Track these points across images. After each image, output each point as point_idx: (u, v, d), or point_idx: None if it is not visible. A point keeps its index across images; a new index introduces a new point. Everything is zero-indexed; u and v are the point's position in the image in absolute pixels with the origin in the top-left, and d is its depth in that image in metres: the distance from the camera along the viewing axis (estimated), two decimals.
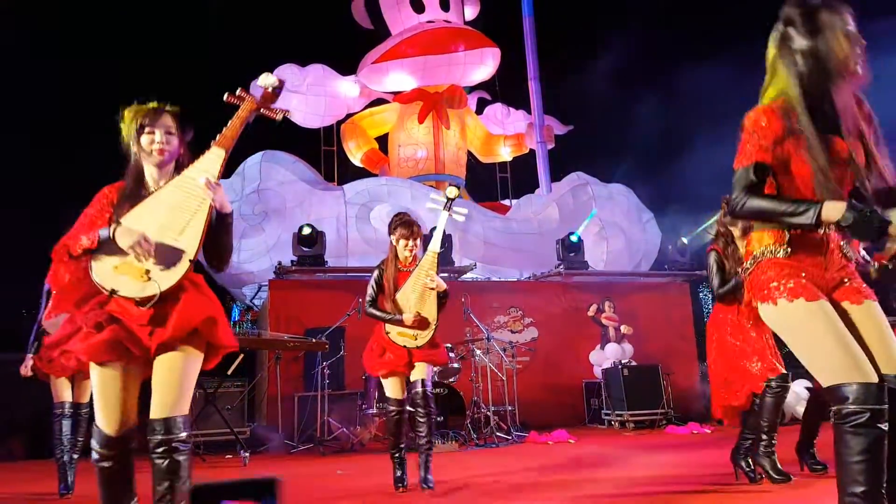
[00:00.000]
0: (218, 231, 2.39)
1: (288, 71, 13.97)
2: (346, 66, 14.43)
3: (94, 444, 2.20)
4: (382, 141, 14.80)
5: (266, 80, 2.60)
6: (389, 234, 4.16)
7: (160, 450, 2.13)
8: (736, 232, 3.99)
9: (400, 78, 13.96)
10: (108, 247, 2.20)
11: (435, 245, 4.07)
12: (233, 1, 16.16)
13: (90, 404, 4.01)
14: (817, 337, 1.89)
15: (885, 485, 1.80)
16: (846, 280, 2.03)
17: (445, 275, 9.89)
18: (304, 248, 9.14)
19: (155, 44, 14.73)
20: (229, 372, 6.87)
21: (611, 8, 16.11)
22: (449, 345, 7.37)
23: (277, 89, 2.64)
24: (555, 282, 10.27)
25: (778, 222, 1.97)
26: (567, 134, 15.14)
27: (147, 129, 2.34)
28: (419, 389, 3.99)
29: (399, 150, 14.25)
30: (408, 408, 4.08)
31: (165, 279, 2.21)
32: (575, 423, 8.69)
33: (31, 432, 7.46)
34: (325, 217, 10.35)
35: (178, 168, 2.41)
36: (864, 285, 2.04)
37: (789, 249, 2.00)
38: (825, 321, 1.89)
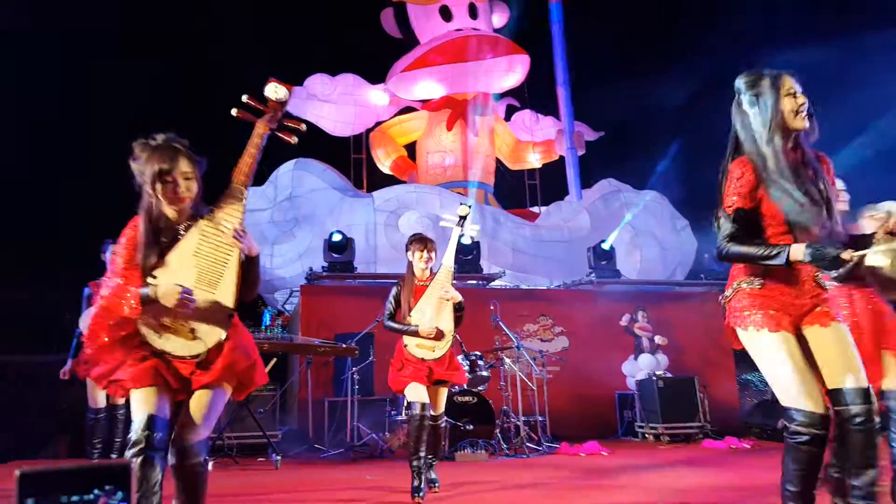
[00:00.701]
0: (247, 270, 2.43)
1: (318, 80, 14.13)
2: (376, 75, 14.52)
3: (134, 431, 2.24)
4: (411, 148, 14.84)
5: (275, 94, 2.53)
6: (406, 251, 4.34)
7: (180, 471, 2.32)
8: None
9: (429, 86, 14.00)
10: (152, 306, 2.25)
11: (449, 259, 4.22)
12: (263, 11, 16.37)
13: (126, 405, 4.22)
14: (777, 365, 2.25)
15: (817, 486, 2.22)
16: (818, 306, 2.30)
17: (474, 282, 9.91)
18: (335, 255, 9.16)
19: (180, 53, 14.97)
20: None
21: (641, 10, 15.97)
22: (478, 352, 7.29)
23: (285, 103, 2.57)
24: (586, 290, 10.12)
25: (756, 264, 2.30)
26: (598, 140, 15.02)
27: (167, 177, 2.33)
28: (433, 424, 4.24)
29: (427, 158, 14.26)
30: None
31: (210, 335, 2.32)
32: (607, 435, 8.51)
33: (75, 432, 7.55)
34: (355, 224, 10.38)
35: (195, 206, 2.42)
36: (835, 309, 2.32)
37: (763, 281, 2.32)
38: (785, 352, 2.23)
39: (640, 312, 9.27)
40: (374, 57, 14.96)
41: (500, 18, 15.38)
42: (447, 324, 4.14)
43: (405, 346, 4.17)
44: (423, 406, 4.05)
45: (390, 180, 13.87)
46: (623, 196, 11.62)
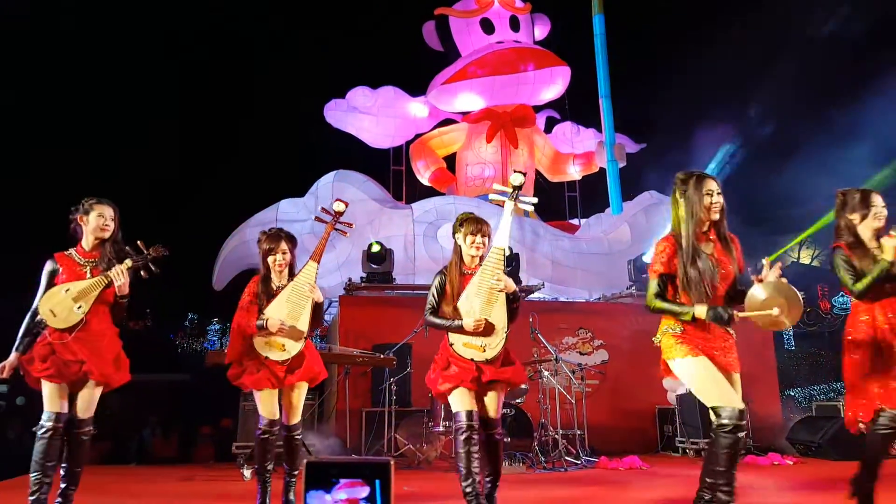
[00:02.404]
0: (315, 310, 3.93)
1: (360, 93, 14.33)
2: (416, 87, 14.67)
3: (260, 426, 3.85)
4: (450, 160, 14.91)
5: (338, 207, 4.05)
6: (454, 234, 3.68)
7: (288, 441, 3.91)
8: (856, 220, 3.48)
9: (469, 98, 14.07)
10: (261, 332, 3.81)
11: (501, 240, 3.55)
12: (310, 28, 16.72)
13: (95, 421, 3.55)
14: (702, 379, 3.03)
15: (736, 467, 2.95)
16: (727, 353, 3.10)
17: None
18: (374, 266, 9.25)
19: (242, 70, 15.40)
20: None
21: (683, 22, 15.79)
22: None
23: (343, 212, 4.06)
24: (626, 303, 10.00)
25: (674, 317, 3.12)
26: (639, 152, 14.85)
27: (272, 253, 3.91)
28: (489, 431, 3.48)
29: (467, 169, 14.31)
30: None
31: (293, 349, 3.86)
32: (647, 449, 8.38)
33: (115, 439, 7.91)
34: (394, 235, 10.47)
35: (290, 269, 3.97)
36: (737, 358, 3.13)
37: (683, 327, 3.11)
38: (705, 369, 3.03)
39: None
40: (415, 69, 15.16)
41: (541, 31, 15.38)
42: (499, 317, 3.48)
43: (451, 344, 3.52)
44: (470, 414, 3.40)
45: (430, 192, 13.96)
46: (664, 208, 11.46)
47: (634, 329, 9.50)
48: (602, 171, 13.85)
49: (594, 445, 7.86)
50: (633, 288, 9.84)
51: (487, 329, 3.45)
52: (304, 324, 3.85)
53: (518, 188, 3.63)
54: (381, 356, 7.10)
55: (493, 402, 3.52)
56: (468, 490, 3.30)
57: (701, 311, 3.00)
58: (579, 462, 6.95)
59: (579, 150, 15.00)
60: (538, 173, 14.72)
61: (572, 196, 14.96)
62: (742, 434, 2.91)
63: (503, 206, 3.69)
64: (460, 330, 3.47)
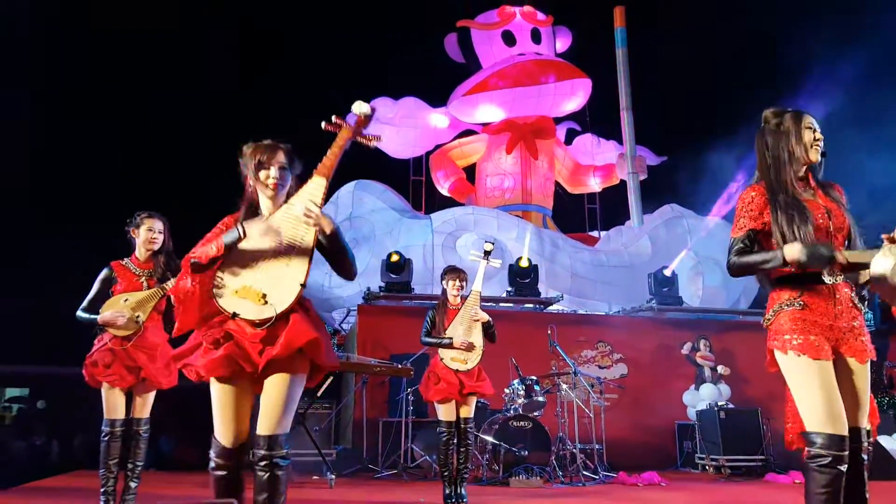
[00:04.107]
0: (331, 248, 2.52)
1: (381, 104, 14.41)
2: (437, 98, 14.73)
3: (211, 454, 2.40)
4: (470, 171, 14.93)
5: (360, 108, 2.67)
6: (441, 280, 4.96)
7: (263, 464, 2.33)
8: None
9: (490, 110, 14.10)
10: (231, 269, 2.39)
11: (477, 286, 4.81)
12: (331, 38, 16.89)
13: (150, 421, 3.85)
14: (809, 390, 2.35)
15: None
16: (858, 336, 2.43)
17: (531, 305, 9.84)
18: (392, 275, 9.26)
19: (252, 79, 15.58)
20: (319, 393, 6.97)
21: (706, 34, 15.70)
22: (534, 377, 7.21)
23: (370, 116, 2.70)
24: (646, 317, 9.90)
25: (760, 270, 2.48)
26: (660, 164, 14.77)
27: (264, 166, 2.50)
28: (462, 427, 4.76)
29: (487, 180, 14.32)
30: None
31: (280, 302, 2.36)
32: (666, 465, 8.26)
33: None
34: (413, 244, 10.48)
35: (289, 198, 2.56)
36: (869, 342, 2.44)
37: (803, 302, 2.41)
38: (820, 379, 2.33)
39: (703, 341, 9.00)
40: (437, 81, 15.22)
41: (563, 43, 15.40)
42: (477, 340, 4.74)
43: (441, 359, 4.69)
44: (450, 424, 4.74)
45: (449, 202, 13.98)
46: (686, 222, 11.36)
47: (654, 343, 9.41)
48: (623, 183, 13.78)
49: (612, 460, 7.77)
50: (654, 301, 9.74)
51: (469, 347, 4.66)
52: (299, 265, 2.43)
53: (489, 252, 4.89)
54: (399, 366, 7.08)
55: (468, 406, 4.76)
56: (445, 474, 4.71)
57: (792, 248, 2.34)
58: (597, 477, 6.87)
59: (600, 163, 14.95)
60: (558, 185, 14.69)
61: (592, 208, 14.92)
62: (843, 467, 2.28)
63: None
64: (450, 346, 4.65)
